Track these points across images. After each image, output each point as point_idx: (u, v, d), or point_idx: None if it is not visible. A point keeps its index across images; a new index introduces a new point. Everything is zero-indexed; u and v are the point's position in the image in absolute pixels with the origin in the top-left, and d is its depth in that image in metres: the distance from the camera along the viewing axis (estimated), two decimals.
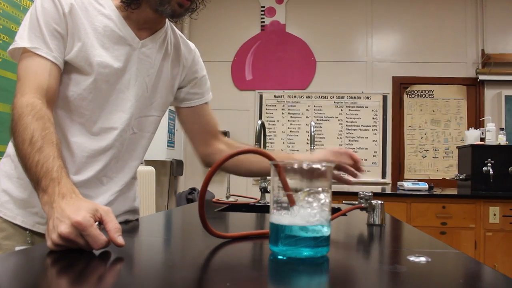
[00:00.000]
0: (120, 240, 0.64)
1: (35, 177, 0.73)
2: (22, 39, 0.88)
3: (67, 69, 0.92)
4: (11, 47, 0.89)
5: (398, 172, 4.20)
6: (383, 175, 4.18)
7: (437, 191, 3.28)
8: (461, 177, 3.27)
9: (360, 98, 4.25)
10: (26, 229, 0.94)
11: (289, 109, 4.33)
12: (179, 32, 1.12)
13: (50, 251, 0.63)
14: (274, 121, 4.33)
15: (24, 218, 0.94)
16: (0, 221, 0.95)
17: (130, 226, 0.95)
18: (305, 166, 0.64)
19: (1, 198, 0.95)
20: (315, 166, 0.64)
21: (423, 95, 4.25)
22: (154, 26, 1.00)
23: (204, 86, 1.17)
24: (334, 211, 1.05)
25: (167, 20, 1.04)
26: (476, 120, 4.13)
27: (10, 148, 0.96)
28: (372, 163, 4.20)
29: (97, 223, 0.65)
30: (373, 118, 4.23)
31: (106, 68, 0.93)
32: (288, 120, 4.32)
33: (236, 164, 1.13)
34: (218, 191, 3.06)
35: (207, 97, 1.17)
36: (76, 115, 0.93)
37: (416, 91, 4.27)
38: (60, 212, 0.65)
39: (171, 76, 1.07)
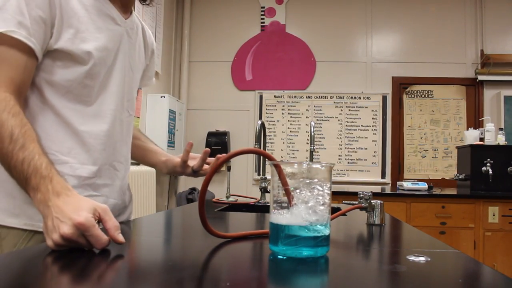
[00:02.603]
0: (120, 237, 0.65)
1: (22, 176, 0.71)
2: None
3: (62, 57, 0.86)
4: None
5: (398, 172, 4.21)
6: (383, 175, 4.18)
7: (436, 191, 3.28)
8: (460, 177, 3.28)
9: (360, 98, 4.26)
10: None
11: (289, 109, 4.33)
12: (140, 19, 1.14)
13: (51, 250, 0.64)
14: (274, 121, 4.33)
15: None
16: (37, 241, 0.86)
17: (130, 226, 0.95)
18: (304, 166, 0.64)
19: (24, 213, 0.86)
20: (314, 166, 0.64)
21: (423, 95, 4.25)
22: (130, 5, 1.01)
23: (153, 69, 1.22)
24: (334, 211, 1.05)
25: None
26: (475, 120, 4.14)
27: None
28: (372, 163, 4.20)
29: (96, 222, 0.65)
30: (372, 118, 4.24)
31: (104, 51, 0.91)
32: (288, 120, 4.32)
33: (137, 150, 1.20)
34: (218, 191, 3.06)
35: (153, 79, 1.23)
36: (79, 103, 0.90)
37: (415, 91, 4.27)
38: (59, 212, 0.64)
39: (142, 58, 1.11)
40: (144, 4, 1.06)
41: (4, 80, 0.78)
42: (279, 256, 0.63)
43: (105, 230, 0.65)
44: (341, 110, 4.27)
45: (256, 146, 1.69)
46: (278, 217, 0.63)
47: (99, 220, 0.66)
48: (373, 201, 1.03)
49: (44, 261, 0.61)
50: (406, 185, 3.28)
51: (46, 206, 0.67)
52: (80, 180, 0.90)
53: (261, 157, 1.88)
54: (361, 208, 1.03)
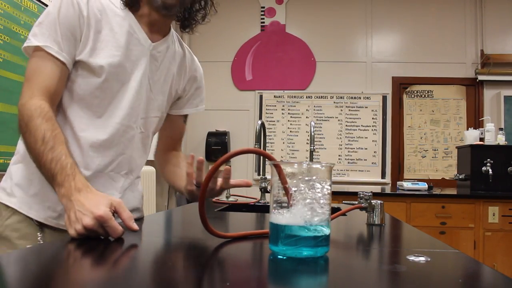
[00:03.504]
0: (134, 226, 0.77)
1: (50, 173, 0.81)
2: (36, 37, 0.91)
3: (79, 67, 0.95)
4: (25, 44, 0.92)
5: (398, 172, 4.20)
6: (383, 175, 4.18)
7: (436, 191, 3.28)
8: (460, 177, 3.27)
9: (360, 98, 4.26)
10: (37, 223, 0.96)
11: (289, 109, 4.33)
12: (187, 47, 1.18)
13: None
14: (274, 121, 4.33)
15: (37, 212, 0.96)
16: (16, 220, 0.96)
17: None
18: (304, 166, 0.64)
19: (15, 193, 0.97)
20: (314, 166, 0.64)
21: (423, 95, 4.25)
22: (161, 29, 1.06)
23: (200, 98, 1.24)
24: (334, 211, 1.05)
25: (173, 30, 1.11)
26: (475, 120, 4.14)
27: (20, 145, 0.99)
28: (372, 163, 4.20)
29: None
30: (372, 118, 4.24)
31: (118, 68, 0.97)
32: (288, 120, 4.32)
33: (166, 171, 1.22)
34: None
35: (200, 107, 1.25)
36: (89, 111, 0.97)
37: (415, 91, 4.27)
38: (81, 206, 0.74)
39: (173, 82, 1.13)
40: (184, 32, 1.12)
41: (41, 88, 0.90)
42: (279, 256, 0.63)
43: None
44: (341, 110, 4.27)
45: (256, 146, 1.69)
46: (278, 217, 0.63)
47: (115, 212, 0.76)
48: (373, 201, 1.03)
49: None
50: (406, 185, 3.28)
51: (69, 200, 0.77)
52: None
53: (261, 157, 1.88)
54: (361, 208, 1.03)
